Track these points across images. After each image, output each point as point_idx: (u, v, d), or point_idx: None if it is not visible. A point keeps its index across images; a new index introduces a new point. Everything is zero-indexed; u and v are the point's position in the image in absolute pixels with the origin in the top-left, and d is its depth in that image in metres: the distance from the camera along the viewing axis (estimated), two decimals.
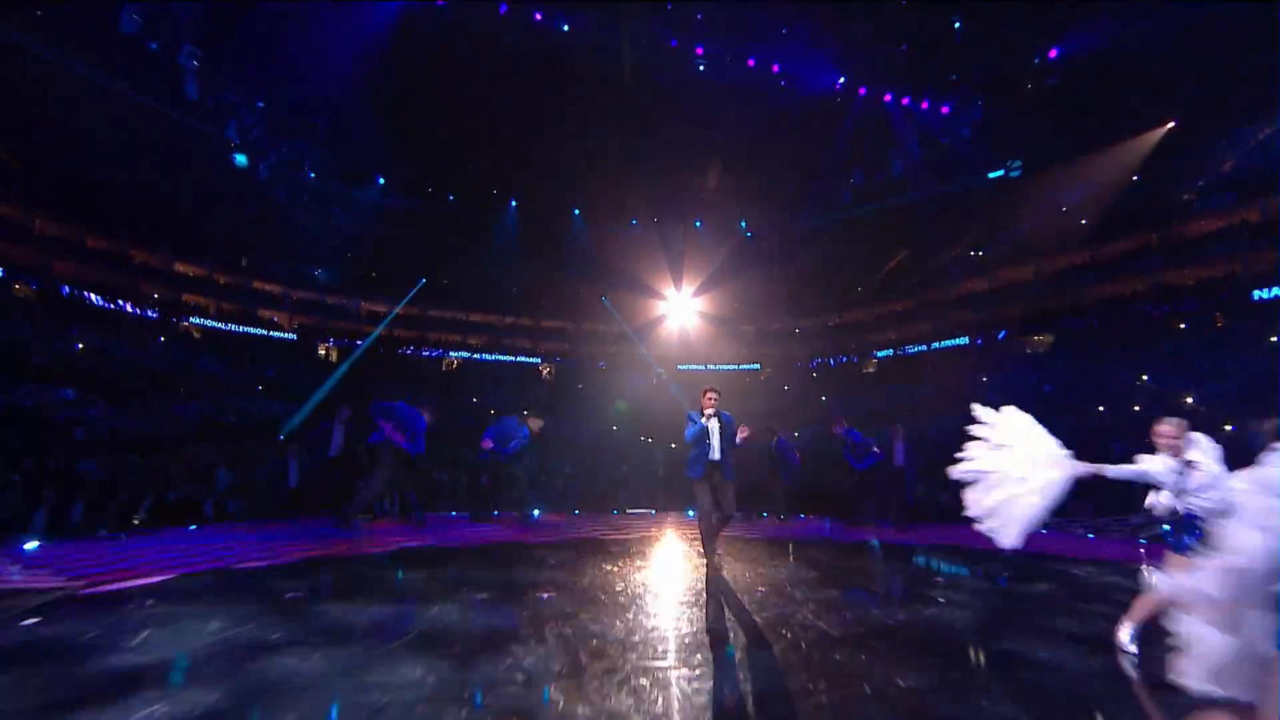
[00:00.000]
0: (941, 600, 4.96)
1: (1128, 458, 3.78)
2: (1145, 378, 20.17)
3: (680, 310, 36.39)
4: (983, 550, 6.72)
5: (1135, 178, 26.45)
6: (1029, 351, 27.48)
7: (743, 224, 34.87)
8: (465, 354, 35.66)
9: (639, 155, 28.60)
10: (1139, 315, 25.02)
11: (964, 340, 29.28)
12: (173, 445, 15.41)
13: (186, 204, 27.53)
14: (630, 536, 8.24)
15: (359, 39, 23.22)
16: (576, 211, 34.29)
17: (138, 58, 23.47)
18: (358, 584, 5.28)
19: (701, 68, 25.55)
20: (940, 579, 5.99)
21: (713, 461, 5.88)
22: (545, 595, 4.83)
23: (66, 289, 23.54)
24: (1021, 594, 5.48)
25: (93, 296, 24.12)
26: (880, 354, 33.39)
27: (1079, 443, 3.86)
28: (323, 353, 31.65)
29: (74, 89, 23.64)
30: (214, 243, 29.10)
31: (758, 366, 36.28)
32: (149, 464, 11.74)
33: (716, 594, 4.98)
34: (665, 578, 5.70)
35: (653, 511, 12.28)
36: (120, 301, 24.87)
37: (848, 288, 36.42)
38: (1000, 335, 28.06)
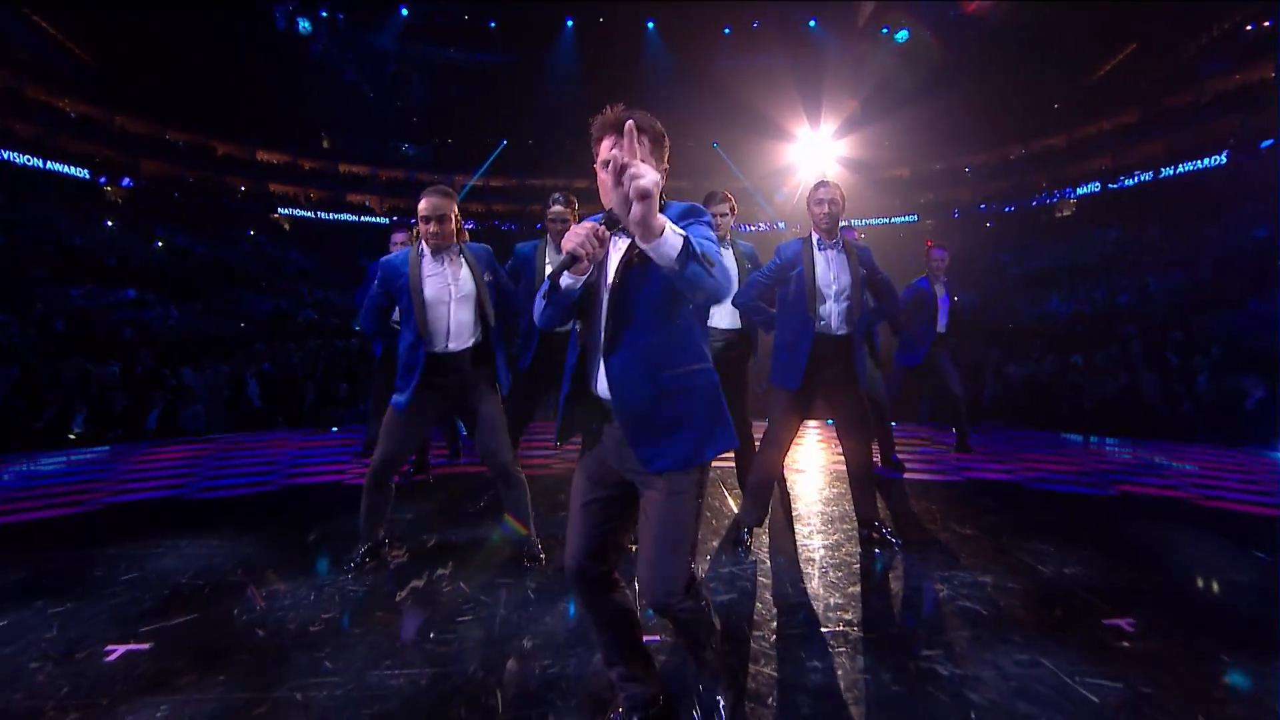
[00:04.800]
0: None
1: None
2: None
3: (816, 156, 30.79)
4: None
5: None
6: None
7: (884, 29, 27.67)
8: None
9: None
10: None
11: (1220, 159, 21.55)
12: (229, 343, 14.94)
13: (257, 90, 26.69)
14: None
15: None
16: (650, 25, 28.82)
17: None
18: None
19: None
20: None
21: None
22: None
23: (152, 187, 23.86)
24: None
25: (178, 194, 24.37)
26: (1083, 190, 26.23)
27: None
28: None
29: None
30: (293, 128, 28.38)
31: (914, 218, 30.58)
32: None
33: None
34: None
35: None
36: (206, 197, 25.02)
37: (1039, 107, 28.58)
38: (1263, 145, 19.99)
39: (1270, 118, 20.96)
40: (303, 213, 28.28)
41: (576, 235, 1.47)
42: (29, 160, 21.60)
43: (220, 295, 19.23)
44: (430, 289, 2.97)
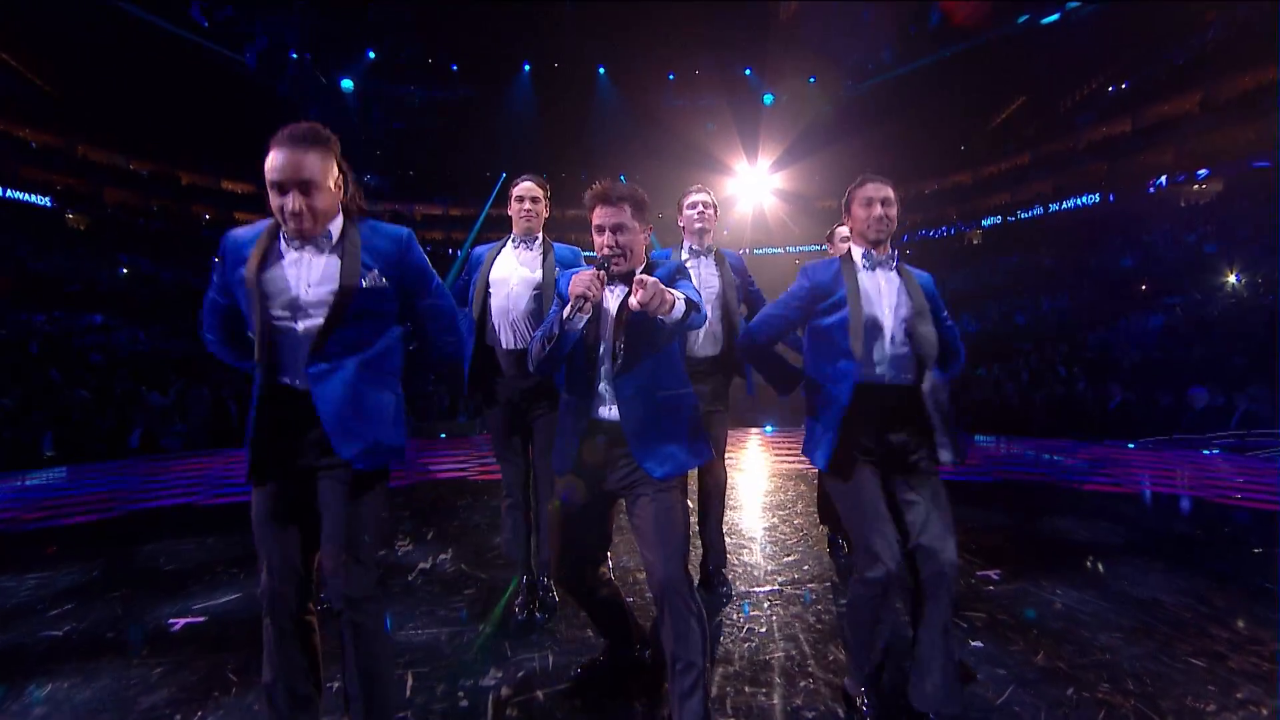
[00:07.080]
0: None
1: None
2: None
3: (753, 189, 32.03)
4: None
5: None
6: (1183, 205, 21.62)
7: (811, 79, 29.25)
8: None
9: None
10: None
11: (1094, 198, 23.54)
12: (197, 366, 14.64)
13: (223, 122, 26.23)
14: None
15: None
16: (601, 70, 29.86)
17: None
18: None
19: None
20: None
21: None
22: None
23: (117, 215, 23.11)
24: None
25: (142, 221, 23.64)
26: (987, 221, 28.05)
27: None
28: None
29: (95, 14, 22.10)
30: (259, 158, 27.80)
31: None
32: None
33: None
34: None
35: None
36: (171, 224, 24.35)
37: (948, 148, 30.55)
38: (1153, 186, 21.89)
39: (1131, 164, 23.09)
40: None
41: (583, 281, 1.64)
42: None
43: (188, 320, 18.76)
44: None
